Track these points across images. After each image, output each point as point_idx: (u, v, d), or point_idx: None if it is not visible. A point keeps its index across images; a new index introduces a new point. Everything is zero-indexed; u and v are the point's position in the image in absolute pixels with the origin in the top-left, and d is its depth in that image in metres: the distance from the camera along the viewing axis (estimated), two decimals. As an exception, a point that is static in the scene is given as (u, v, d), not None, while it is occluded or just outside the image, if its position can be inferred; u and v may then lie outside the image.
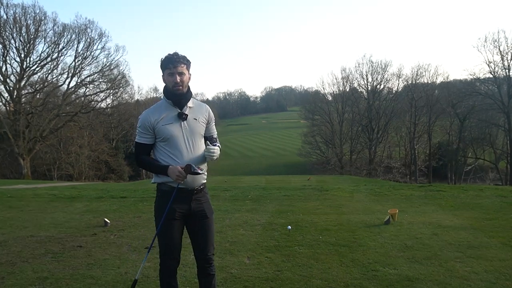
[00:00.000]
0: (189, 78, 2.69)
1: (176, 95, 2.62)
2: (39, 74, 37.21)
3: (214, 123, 2.88)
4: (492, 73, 38.20)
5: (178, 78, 2.59)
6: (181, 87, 2.61)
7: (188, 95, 2.68)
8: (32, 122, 35.39)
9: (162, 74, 2.67)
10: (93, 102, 40.47)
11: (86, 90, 39.92)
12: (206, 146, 2.69)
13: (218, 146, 2.79)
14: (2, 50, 33.56)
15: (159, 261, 2.76)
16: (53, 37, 35.61)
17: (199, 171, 2.57)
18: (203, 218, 2.74)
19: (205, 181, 2.79)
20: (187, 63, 2.65)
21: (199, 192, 2.73)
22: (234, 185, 13.55)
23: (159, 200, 2.74)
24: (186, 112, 2.65)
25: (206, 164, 2.76)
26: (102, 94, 40.74)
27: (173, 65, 2.58)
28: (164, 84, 2.69)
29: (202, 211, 2.74)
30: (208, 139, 2.82)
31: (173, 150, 2.62)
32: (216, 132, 2.90)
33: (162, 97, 2.75)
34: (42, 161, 38.60)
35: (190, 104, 2.69)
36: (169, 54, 2.63)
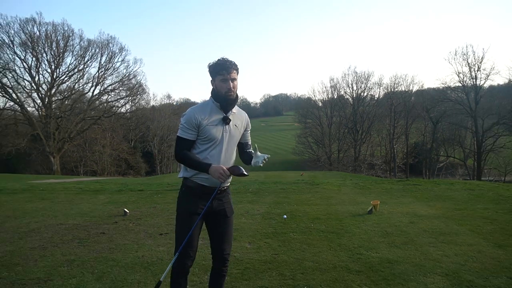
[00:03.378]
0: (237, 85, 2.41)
1: (228, 100, 2.33)
2: (67, 83, 37.47)
3: (249, 131, 2.61)
4: (461, 82, 38.16)
5: (231, 85, 2.31)
6: (233, 93, 2.33)
7: (235, 102, 2.39)
8: (61, 125, 35.43)
9: (212, 79, 2.36)
10: (114, 108, 40.53)
11: (108, 97, 40.08)
12: (254, 152, 2.44)
13: (251, 151, 2.56)
14: (36, 63, 33.77)
15: (173, 254, 2.42)
16: (79, 51, 35.89)
17: (246, 173, 2.28)
18: (223, 217, 2.47)
19: (229, 183, 2.53)
20: (237, 69, 2.36)
21: (222, 192, 2.46)
22: (237, 179, 13.53)
23: (183, 195, 2.43)
24: (230, 117, 2.39)
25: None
26: (122, 101, 40.88)
27: (226, 71, 2.29)
28: (212, 88, 2.38)
29: (223, 210, 2.46)
30: (244, 145, 2.57)
31: (212, 150, 2.35)
32: (250, 139, 2.62)
33: (210, 98, 2.42)
34: (70, 159, 38.59)
35: (234, 110, 2.42)
36: (221, 60, 2.32)
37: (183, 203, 2.41)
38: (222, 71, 2.30)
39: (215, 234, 2.49)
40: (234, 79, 2.33)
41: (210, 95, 2.42)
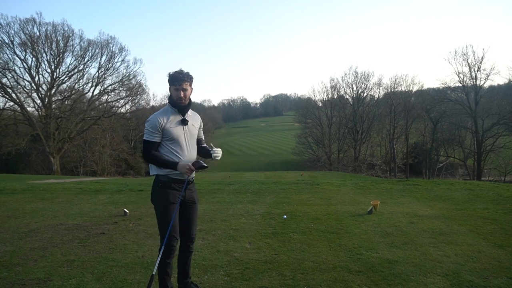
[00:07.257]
0: (191, 92, 2.86)
1: (180, 106, 2.81)
2: (67, 83, 37.47)
3: (202, 129, 3.11)
4: (461, 82, 38.21)
5: (182, 94, 2.77)
6: (183, 101, 2.79)
7: (188, 106, 2.86)
8: (61, 125, 35.41)
9: (169, 86, 2.83)
10: (114, 108, 40.47)
11: (108, 97, 40.04)
12: (211, 149, 2.94)
13: (206, 146, 3.07)
14: (35, 63, 33.76)
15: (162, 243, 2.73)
16: (79, 51, 35.86)
17: (205, 165, 2.79)
18: (192, 204, 2.95)
19: (194, 175, 2.95)
20: (190, 80, 2.80)
21: (190, 183, 2.91)
22: (237, 180, 13.54)
23: (160, 190, 2.80)
24: (187, 119, 2.86)
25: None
26: (122, 101, 40.82)
27: (178, 82, 2.75)
28: (170, 94, 2.87)
29: (192, 198, 2.94)
30: (199, 141, 3.05)
31: (177, 148, 2.80)
32: (203, 135, 3.14)
33: (167, 103, 2.89)
34: (70, 159, 38.59)
35: (189, 112, 2.91)
36: (175, 72, 2.77)
37: (162, 196, 2.79)
38: (175, 82, 2.76)
39: (185, 219, 2.93)
40: (185, 89, 2.78)
41: (167, 101, 2.91)
